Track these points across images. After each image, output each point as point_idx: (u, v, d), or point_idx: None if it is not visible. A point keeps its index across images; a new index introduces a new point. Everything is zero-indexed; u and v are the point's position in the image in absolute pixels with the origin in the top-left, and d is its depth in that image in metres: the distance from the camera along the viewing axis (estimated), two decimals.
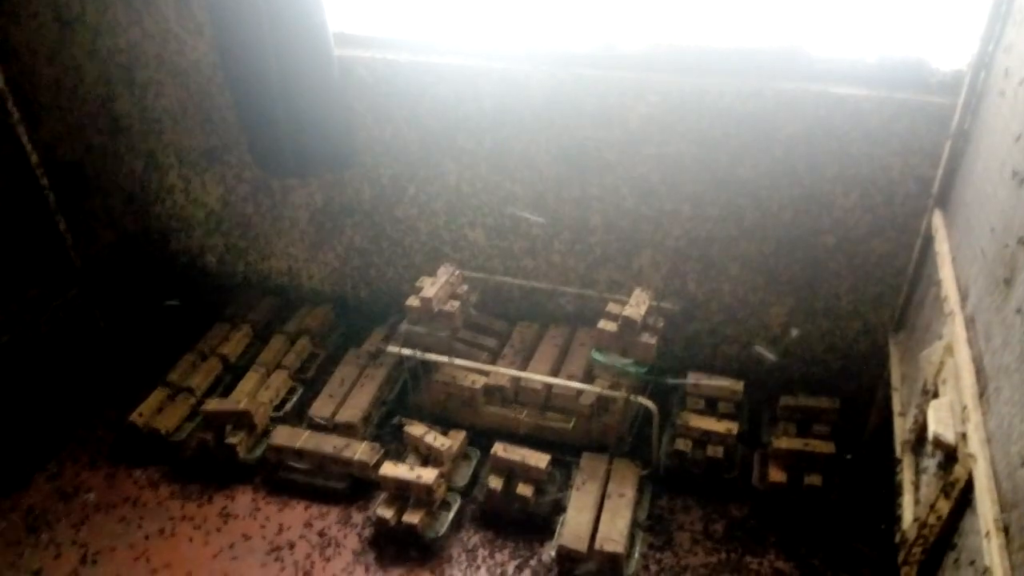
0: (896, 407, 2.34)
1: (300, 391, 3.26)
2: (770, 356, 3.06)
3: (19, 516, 2.87)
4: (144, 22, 3.14)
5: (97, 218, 3.65)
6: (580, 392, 2.86)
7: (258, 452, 2.99)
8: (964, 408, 1.71)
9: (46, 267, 3.31)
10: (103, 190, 3.62)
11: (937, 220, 2.37)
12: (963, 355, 1.81)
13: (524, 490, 2.69)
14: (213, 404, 3.00)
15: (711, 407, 2.89)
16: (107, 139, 3.50)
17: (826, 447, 2.68)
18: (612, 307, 2.78)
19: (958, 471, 1.69)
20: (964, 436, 1.69)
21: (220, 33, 2.96)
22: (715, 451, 2.77)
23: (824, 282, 2.93)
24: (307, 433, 2.95)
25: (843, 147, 2.66)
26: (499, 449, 2.73)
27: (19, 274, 3.31)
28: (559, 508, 2.72)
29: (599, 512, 2.64)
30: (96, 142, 3.52)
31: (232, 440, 2.93)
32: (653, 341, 2.70)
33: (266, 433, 3.02)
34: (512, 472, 2.73)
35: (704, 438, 2.79)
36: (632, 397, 2.73)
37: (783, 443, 2.70)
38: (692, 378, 2.92)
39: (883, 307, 2.89)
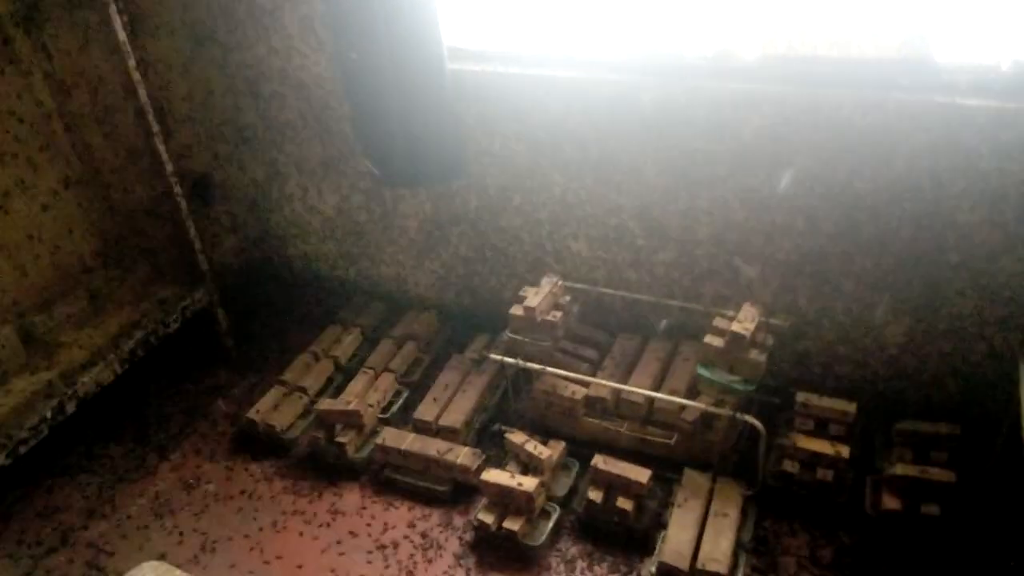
0: None
1: (406, 394, 3.36)
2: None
3: (147, 502, 3.08)
4: (270, 39, 3.32)
5: (222, 224, 3.89)
6: (683, 407, 2.83)
7: (366, 452, 3.10)
8: None
9: (176, 270, 3.55)
10: (228, 197, 3.85)
11: None
12: None
13: (624, 504, 2.68)
14: (325, 404, 3.13)
15: (821, 428, 2.79)
16: (232, 149, 3.72)
17: (945, 475, 2.55)
18: (719, 322, 2.74)
19: None
20: None
21: (340, 49, 3.10)
22: (825, 474, 2.68)
23: (946, 302, 2.79)
24: (412, 435, 3.03)
25: (971, 161, 2.53)
26: (599, 461, 2.73)
27: (153, 276, 3.57)
28: (660, 524, 2.70)
29: (701, 531, 2.61)
30: (222, 152, 3.74)
31: (342, 439, 3.05)
32: (762, 358, 2.64)
33: (373, 434, 3.13)
34: (612, 485, 2.72)
35: (813, 460, 2.70)
36: (738, 415, 2.68)
37: (898, 469, 2.59)
38: (802, 397, 2.83)
39: (1012, 330, 2.73)
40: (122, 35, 3.00)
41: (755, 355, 2.66)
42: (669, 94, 2.83)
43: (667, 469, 2.84)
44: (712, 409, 2.72)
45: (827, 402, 2.80)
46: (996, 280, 2.68)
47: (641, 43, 2.90)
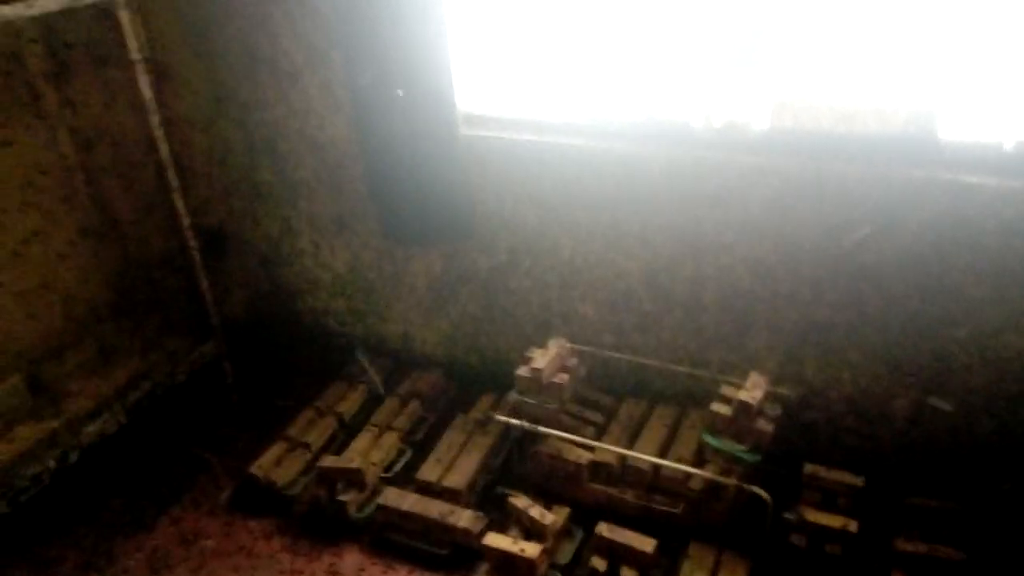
0: None
1: (409, 453, 3.34)
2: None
3: (144, 556, 3.04)
4: (290, 99, 3.42)
5: (234, 278, 3.93)
6: (689, 475, 2.80)
7: (367, 511, 3.06)
8: None
9: (187, 322, 3.58)
10: (241, 252, 3.90)
11: None
12: None
13: (629, 574, 2.63)
14: (328, 461, 3.12)
15: (829, 501, 2.76)
16: (247, 204, 3.79)
17: (954, 553, 2.51)
18: (726, 390, 2.74)
19: None
20: None
21: (357, 112, 3.19)
22: (833, 548, 2.64)
23: (953, 376, 2.79)
24: (414, 496, 3.01)
25: (975, 237, 2.57)
26: (604, 529, 2.69)
27: (163, 328, 3.60)
28: None
29: None
30: (237, 207, 3.81)
31: (343, 497, 3.02)
32: (770, 428, 2.63)
33: (375, 493, 3.10)
34: (616, 554, 2.68)
35: (821, 533, 2.66)
36: (744, 485, 2.65)
37: (907, 546, 2.55)
38: (809, 469, 2.81)
39: (1019, 405, 2.72)
40: (147, 93, 3.10)
41: (762, 424, 2.66)
42: (677, 163, 2.89)
43: (672, 538, 2.80)
44: (718, 478, 2.69)
45: (835, 475, 2.77)
46: (1002, 356, 2.68)
47: (650, 113, 2.97)
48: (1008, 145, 2.55)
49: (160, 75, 3.36)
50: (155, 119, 3.12)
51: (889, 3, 2.57)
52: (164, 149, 3.19)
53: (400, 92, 3.01)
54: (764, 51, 2.63)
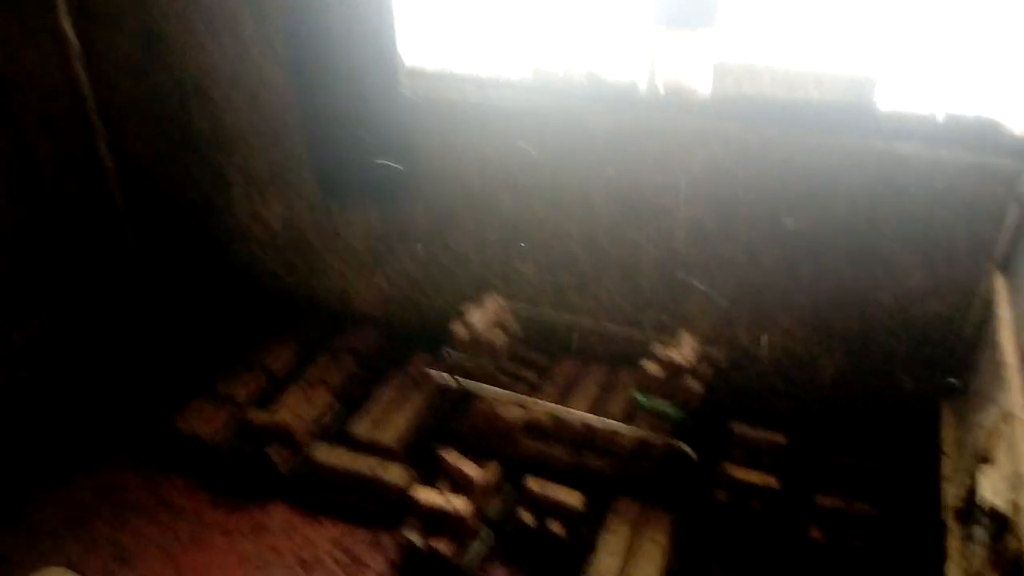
0: (946, 471, 2.26)
1: (341, 410, 3.28)
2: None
3: (60, 510, 2.94)
4: (224, 44, 3.28)
5: (162, 227, 3.78)
6: (619, 432, 2.83)
7: (294, 466, 3.01)
8: (1020, 477, 1.64)
9: (114, 272, 3.43)
10: (170, 200, 3.75)
11: (999, 284, 2.31)
12: (1020, 423, 1.75)
13: (556, 528, 2.65)
14: (255, 415, 3.05)
15: (754, 459, 2.82)
16: (178, 152, 3.64)
17: (869, 509, 2.59)
18: (658, 349, 2.76)
19: (1011, 542, 1.62)
20: (1019, 507, 1.62)
21: (296, 60, 3.09)
22: (756, 504, 2.69)
23: (877, 340, 2.87)
24: (346, 452, 2.97)
25: (905, 206, 2.62)
26: (533, 484, 2.70)
27: (90, 276, 3.44)
28: (590, 548, 2.67)
29: (629, 557, 2.59)
30: (168, 154, 3.65)
31: (271, 453, 2.96)
32: (699, 387, 2.66)
33: (305, 448, 3.04)
34: (545, 509, 2.69)
35: (745, 490, 2.72)
36: (673, 442, 2.68)
37: (825, 502, 2.62)
38: (736, 428, 2.86)
39: (937, 369, 2.81)
40: (69, 31, 2.93)
41: (692, 384, 2.68)
42: (620, 124, 2.88)
43: (601, 494, 2.82)
44: (647, 435, 2.72)
45: (761, 433, 2.83)
46: (924, 320, 2.77)
47: (594, 71, 2.94)
48: (940, 116, 2.61)
49: (85, 16, 3.18)
50: (76, 59, 2.95)
51: None
52: (86, 90, 3.03)
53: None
54: (709, 11, 2.62)
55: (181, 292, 3.80)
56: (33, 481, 3.04)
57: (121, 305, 3.36)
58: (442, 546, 2.62)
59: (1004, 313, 2.20)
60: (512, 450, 3.00)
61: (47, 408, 3.32)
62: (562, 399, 3.06)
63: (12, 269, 3.33)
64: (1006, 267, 2.41)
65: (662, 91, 2.87)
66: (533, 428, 2.98)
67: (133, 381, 3.50)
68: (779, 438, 2.81)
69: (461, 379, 2.94)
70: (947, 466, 2.29)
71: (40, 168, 3.35)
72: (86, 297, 3.35)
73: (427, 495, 2.67)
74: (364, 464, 2.91)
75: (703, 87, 2.82)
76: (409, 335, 3.66)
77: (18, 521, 2.88)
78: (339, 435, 3.13)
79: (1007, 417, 1.85)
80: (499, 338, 2.97)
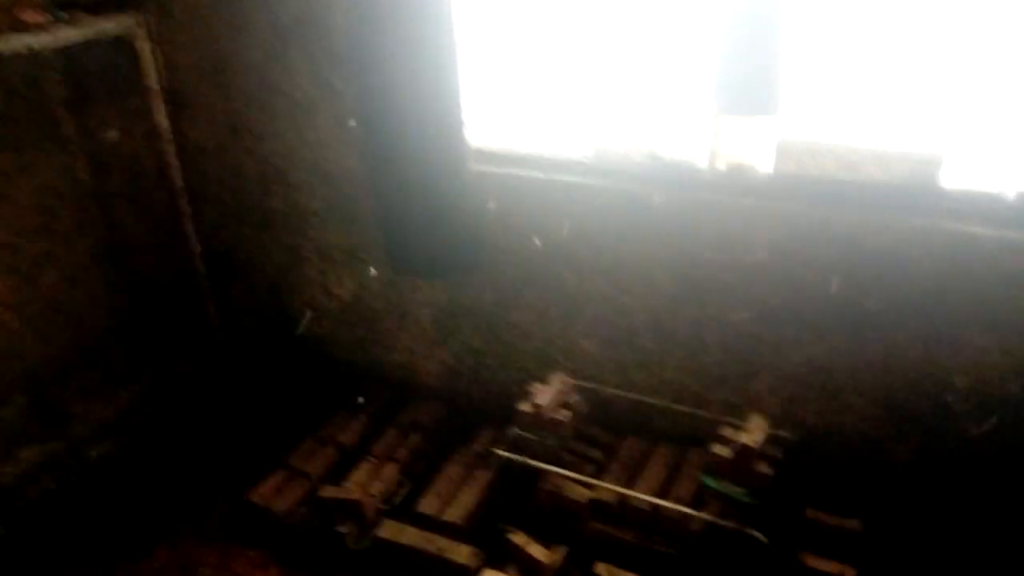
0: None
1: (408, 485, 3.33)
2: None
3: None
4: (303, 131, 3.47)
5: (241, 304, 3.96)
6: (688, 516, 2.80)
7: (364, 543, 3.05)
8: None
9: (194, 346, 3.60)
10: (249, 279, 3.93)
11: None
12: None
13: None
14: (327, 491, 3.12)
15: (828, 547, 2.74)
16: (257, 232, 3.83)
17: None
18: (726, 431, 2.74)
19: None
20: None
21: (368, 144, 3.24)
22: None
23: (953, 423, 2.79)
24: (413, 530, 3.00)
25: (977, 287, 2.58)
26: (602, 570, 2.69)
27: (172, 351, 3.62)
28: None
29: None
30: (247, 234, 3.85)
31: (341, 529, 3.02)
32: (770, 471, 2.63)
33: (374, 525, 3.09)
34: None
35: None
36: (742, 527, 2.64)
37: None
38: (810, 514, 2.80)
39: (1019, 455, 2.71)
40: (163, 122, 3.16)
41: (762, 467, 2.65)
42: (680, 204, 2.92)
43: None
44: (717, 520, 2.69)
45: (835, 520, 2.76)
46: (1001, 403, 2.68)
47: (654, 152, 3.01)
48: (1010, 195, 2.58)
49: (176, 104, 3.42)
50: (169, 147, 3.18)
51: (896, 50, 2.62)
52: (177, 176, 3.24)
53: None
54: (771, 100, 2.67)
55: (257, 368, 3.94)
56: (118, 553, 3.15)
57: (202, 382, 3.51)
58: None
59: None
60: (578, 531, 2.99)
61: (130, 481, 3.46)
62: (628, 480, 3.05)
63: (102, 346, 3.53)
64: None
65: (723, 170, 2.91)
66: (599, 509, 2.97)
67: (213, 456, 3.63)
68: (854, 524, 2.74)
69: (527, 459, 2.96)
70: None
71: (131, 248, 3.57)
72: (170, 373, 3.52)
73: None
74: (431, 543, 2.93)
75: (765, 166, 2.86)
76: (473, 410, 3.71)
77: None
78: (406, 511, 3.18)
79: None
80: (565, 416, 3.00)
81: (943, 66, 2.59)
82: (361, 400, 3.68)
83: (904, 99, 2.68)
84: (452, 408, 3.76)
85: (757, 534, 2.61)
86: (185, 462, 3.60)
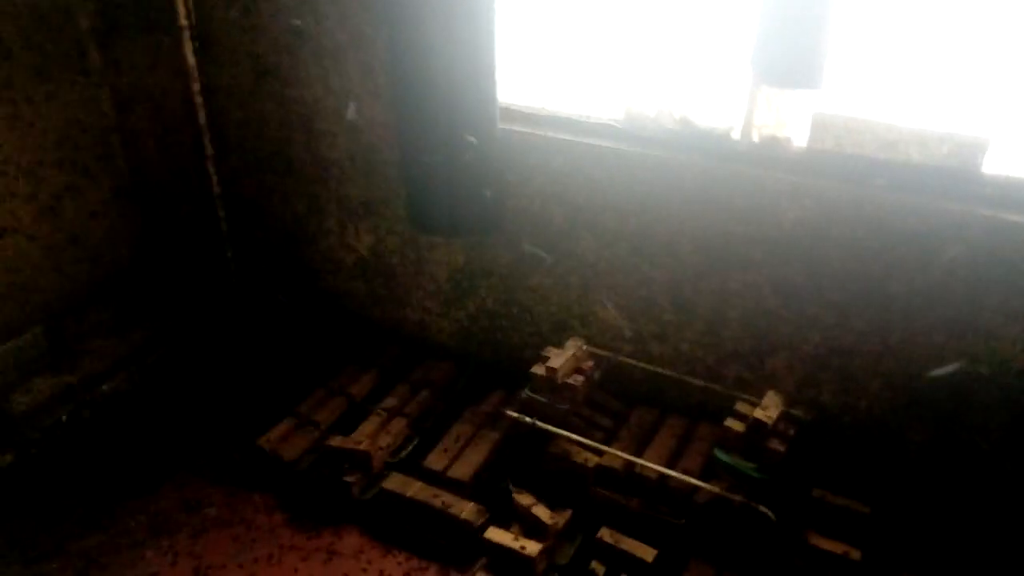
0: None
1: (416, 440, 3.34)
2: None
3: (145, 519, 3.06)
4: (329, 80, 3.43)
5: (259, 250, 3.95)
6: (696, 488, 2.79)
7: (370, 494, 3.07)
8: None
9: (211, 290, 3.60)
10: (268, 225, 3.92)
11: None
12: None
13: None
14: (336, 441, 3.13)
15: (836, 528, 2.73)
16: (278, 180, 3.80)
17: None
18: (741, 407, 2.72)
19: None
20: None
21: (396, 97, 3.20)
22: (835, 573, 2.61)
23: (972, 413, 2.75)
24: (418, 484, 3.01)
25: (1010, 276, 2.53)
26: (606, 535, 2.69)
27: (188, 292, 3.62)
28: None
29: None
30: (268, 181, 3.83)
31: (348, 479, 3.03)
32: (782, 448, 2.61)
33: (380, 476, 3.11)
34: (616, 560, 2.67)
35: (825, 559, 2.64)
36: (751, 503, 2.63)
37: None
38: (817, 494, 2.78)
39: None
40: (191, 60, 3.12)
41: (775, 444, 2.63)
42: (712, 175, 2.87)
43: (674, 550, 2.78)
44: (725, 494, 2.67)
45: (843, 502, 2.75)
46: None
47: (688, 119, 2.95)
48: None
49: (204, 44, 3.38)
50: (195, 86, 3.14)
51: (942, 28, 2.54)
52: (202, 116, 3.21)
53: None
54: (815, 73, 2.59)
55: (273, 316, 3.94)
56: (125, 488, 3.18)
57: (218, 325, 3.51)
58: None
59: None
60: (584, 496, 2.99)
61: (144, 418, 3.49)
62: (638, 449, 3.04)
63: (120, 283, 3.53)
64: None
65: (756, 141, 2.85)
66: (607, 476, 2.97)
67: (223, 398, 3.65)
68: (862, 507, 2.72)
69: (537, 421, 2.96)
70: None
71: (152, 185, 3.55)
72: (187, 314, 3.52)
73: (500, 536, 2.69)
74: (436, 498, 2.94)
75: (800, 140, 2.80)
76: (486, 370, 3.70)
77: (109, 526, 3.02)
78: (414, 466, 3.18)
79: None
80: (578, 382, 2.98)
81: (992, 47, 2.51)
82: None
83: (950, 79, 2.60)
84: (464, 368, 3.75)
85: (765, 509, 2.59)
86: (196, 404, 3.62)
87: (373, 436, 3.23)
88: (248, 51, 3.53)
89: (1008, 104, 2.55)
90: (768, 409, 2.65)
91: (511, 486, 3.02)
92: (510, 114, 3.20)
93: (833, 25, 2.54)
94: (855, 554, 2.61)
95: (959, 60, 2.57)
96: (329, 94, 3.47)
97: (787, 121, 2.80)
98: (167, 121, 3.48)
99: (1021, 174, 2.54)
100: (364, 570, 2.86)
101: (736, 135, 2.88)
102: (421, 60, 3.02)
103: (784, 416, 2.72)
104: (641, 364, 3.28)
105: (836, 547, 2.63)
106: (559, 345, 3.11)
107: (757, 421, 2.60)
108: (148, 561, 2.89)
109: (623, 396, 3.36)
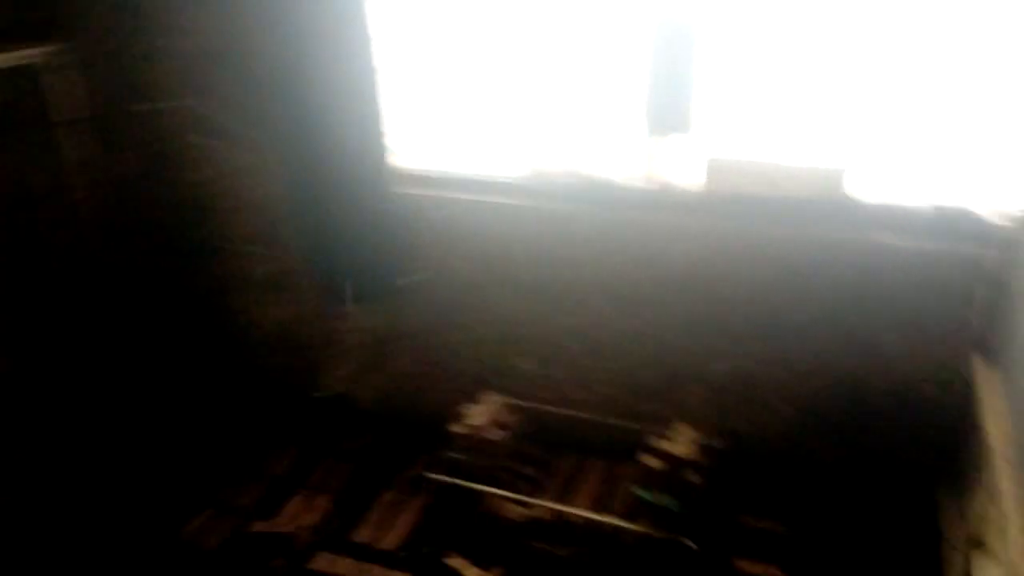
0: (945, 555, 2.27)
1: (342, 515, 3.26)
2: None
3: None
4: (224, 160, 3.42)
5: (167, 336, 3.83)
6: (622, 529, 2.82)
7: None
8: (1013, 565, 1.66)
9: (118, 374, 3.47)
10: (173, 308, 3.81)
11: (980, 367, 2.37)
12: (1010, 506, 1.77)
13: None
14: (256, 525, 3.04)
15: (756, 550, 2.80)
16: (185, 261, 3.72)
17: None
18: (657, 443, 2.78)
19: None
20: None
21: (292, 173, 3.22)
22: None
23: (876, 426, 2.89)
24: (347, 560, 2.94)
25: (892, 294, 2.70)
26: None
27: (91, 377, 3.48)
28: None
29: None
30: (175, 264, 3.72)
31: (274, 563, 2.94)
32: (699, 479, 2.68)
33: (307, 557, 3.02)
34: None
35: None
36: (676, 536, 2.68)
37: None
38: (735, 518, 2.85)
39: (934, 452, 2.82)
40: (72, 155, 3.05)
41: (692, 476, 2.70)
42: (607, 223, 2.99)
43: None
44: (650, 531, 2.71)
45: (761, 523, 2.82)
46: (918, 406, 2.80)
47: (581, 171, 3.05)
48: (926, 209, 2.68)
49: (95, 135, 3.32)
50: (79, 181, 3.08)
51: (809, 65, 2.71)
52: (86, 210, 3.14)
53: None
54: (684, 119, 2.75)
55: (187, 397, 3.82)
56: None
57: (131, 417, 3.39)
58: None
59: (983, 393, 2.25)
60: (516, 550, 2.98)
61: (51, 520, 3.30)
62: (564, 496, 3.06)
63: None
64: (982, 347, 2.47)
65: (652, 189, 2.97)
66: (536, 527, 2.97)
67: (140, 491, 3.48)
68: (777, 527, 2.81)
69: (461, 481, 2.95)
70: (946, 550, 2.29)
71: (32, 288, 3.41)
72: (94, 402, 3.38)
73: None
74: (365, 573, 2.88)
75: (694, 185, 2.92)
76: (409, 434, 3.67)
77: None
78: (340, 542, 3.11)
79: (994, 500, 1.88)
80: (498, 436, 3.00)
81: (856, 79, 2.68)
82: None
83: (819, 113, 2.78)
84: (388, 434, 3.71)
85: (688, 541, 2.64)
86: (114, 499, 3.45)
87: (295, 516, 3.15)
88: (138, 136, 3.49)
89: (872, 133, 2.73)
90: (680, 443, 2.72)
91: (441, 550, 2.99)
92: (405, 177, 3.25)
93: (697, 76, 2.72)
94: (774, 572, 2.68)
95: (823, 93, 2.74)
96: (224, 175, 3.46)
97: (680, 168, 2.93)
98: (52, 214, 3.35)
99: (877, 199, 2.72)
100: None
101: (633, 184, 2.99)
102: (309, 134, 3.06)
103: (700, 447, 2.79)
104: (561, 411, 3.32)
105: (759, 569, 2.70)
106: (479, 401, 3.13)
107: (670, 455, 2.67)
108: None
109: (547, 444, 3.39)
